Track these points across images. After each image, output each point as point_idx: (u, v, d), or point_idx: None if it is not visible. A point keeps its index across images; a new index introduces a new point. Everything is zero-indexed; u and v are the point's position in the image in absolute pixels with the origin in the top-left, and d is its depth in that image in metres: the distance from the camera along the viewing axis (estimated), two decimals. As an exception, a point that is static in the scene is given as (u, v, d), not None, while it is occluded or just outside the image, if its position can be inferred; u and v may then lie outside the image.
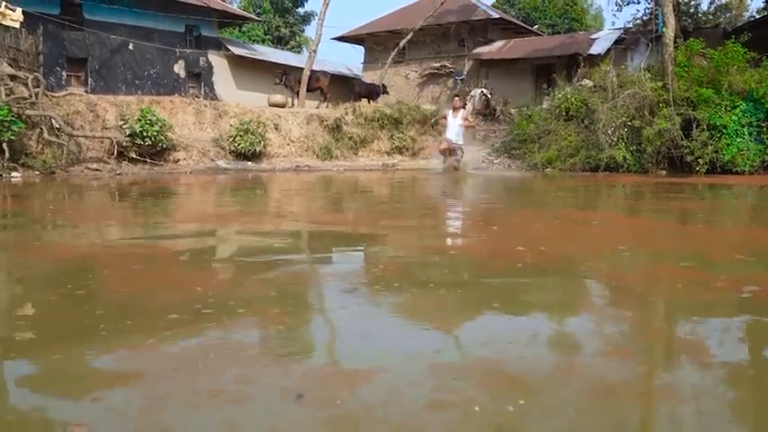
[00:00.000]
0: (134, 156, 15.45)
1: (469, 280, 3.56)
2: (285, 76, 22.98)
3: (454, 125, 14.15)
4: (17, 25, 14.67)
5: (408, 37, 25.50)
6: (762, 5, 24.49)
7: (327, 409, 1.58)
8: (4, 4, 14.47)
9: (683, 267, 3.79)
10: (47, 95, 14.88)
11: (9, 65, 14.21)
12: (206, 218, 6.48)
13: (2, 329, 2.38)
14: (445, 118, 14.71)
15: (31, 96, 14.02)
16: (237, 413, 1.57)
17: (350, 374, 1.86)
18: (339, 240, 5.01)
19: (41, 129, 14.01)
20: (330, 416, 1.55)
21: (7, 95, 13.48)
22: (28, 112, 13.78)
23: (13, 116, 13.08)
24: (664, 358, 2.21)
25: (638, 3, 26.21)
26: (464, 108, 16.73)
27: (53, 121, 14.19)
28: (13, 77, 13.95)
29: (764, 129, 15.57)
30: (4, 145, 12.93)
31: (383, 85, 25.27)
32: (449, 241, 5.14)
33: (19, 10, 14.68)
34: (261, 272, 3.64)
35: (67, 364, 1.97)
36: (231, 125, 17.80)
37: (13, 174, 12.85)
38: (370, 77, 27.99)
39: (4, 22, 14.37)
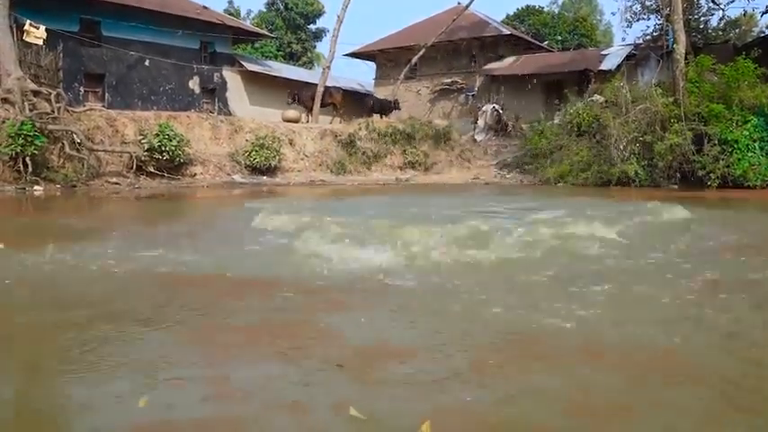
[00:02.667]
0: (152, 170, 15.69)
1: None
2: (297, 95, 23.31)
3: None
4: (40, 42, 15.06)
5: (420, 53, 25.81)
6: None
7: (358, 372, 2.22)
8: (28, 21, 14.85)
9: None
10: (68, 111, 15.18)
11: (31, 80, 14.54)
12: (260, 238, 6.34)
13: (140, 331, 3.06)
14: None
15: (53, 112, 14.34)
16: (292, 367, 2.27)
17: (385, 353, 2.47)
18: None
19: (63, 143, 14.30)
20: (357, 377, 2.18)
21: (30, 110, 13.80)
22: (50, 126, 14.08)
23: (35, 131, 13.37)
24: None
25: (649, 19, 26.36)
26: None
27: (74, 135, 14.47)
28: (36, 93, 14.26)
29: (776, 143, 15.68)
30: (27, 159, 13.21)
31: (396, 100, 25.53)
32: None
33: (42, 27, 15.08)
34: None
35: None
36: (247, 140, 18.08)
37: (36, 187, 13.12)
38: (381, 93, 28.27)
39: (28, 39, 14.76)
